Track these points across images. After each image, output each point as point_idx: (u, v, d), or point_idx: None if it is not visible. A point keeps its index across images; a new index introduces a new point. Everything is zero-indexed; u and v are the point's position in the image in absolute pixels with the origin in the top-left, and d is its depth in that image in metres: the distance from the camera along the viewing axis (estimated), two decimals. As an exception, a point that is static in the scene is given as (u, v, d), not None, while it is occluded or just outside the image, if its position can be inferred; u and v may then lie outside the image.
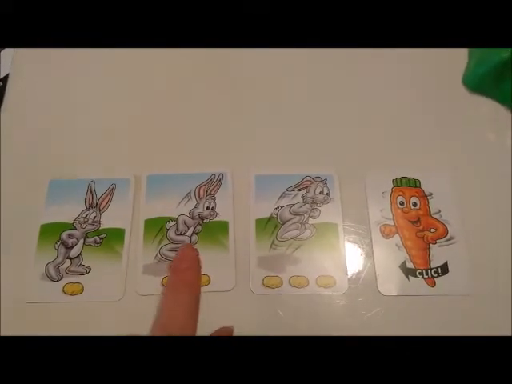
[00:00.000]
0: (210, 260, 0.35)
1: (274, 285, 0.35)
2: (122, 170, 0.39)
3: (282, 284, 0.35)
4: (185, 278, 0.24)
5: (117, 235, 0.36)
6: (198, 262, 0.25)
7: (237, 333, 0.30)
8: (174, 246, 0.36)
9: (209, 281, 0.35)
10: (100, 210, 0.37)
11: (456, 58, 0.43)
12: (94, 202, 0.37)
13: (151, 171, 0.38)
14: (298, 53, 0.43)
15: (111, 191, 0.37)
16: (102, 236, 0.36)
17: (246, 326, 0.33)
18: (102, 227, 0.36)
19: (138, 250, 0.36)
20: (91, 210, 0.37)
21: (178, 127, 0.41)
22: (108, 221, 0.36)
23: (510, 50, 0.38)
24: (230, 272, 0.35)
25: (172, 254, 0.36)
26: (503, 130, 0.40)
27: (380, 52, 0.42)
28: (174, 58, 0.43)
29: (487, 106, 0.41)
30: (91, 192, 0.37)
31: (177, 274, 0.24)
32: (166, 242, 0.36)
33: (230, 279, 0.35)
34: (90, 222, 0.36)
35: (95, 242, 0.36)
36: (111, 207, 0.37)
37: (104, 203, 0.37)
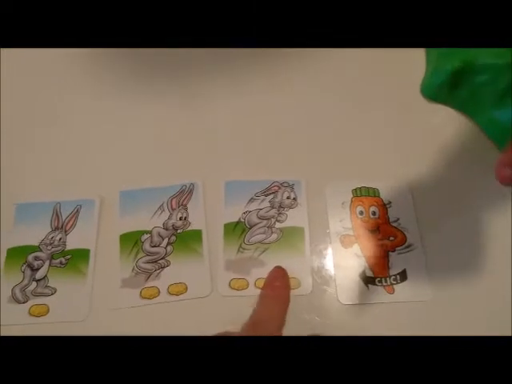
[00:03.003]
0: (186, 269, 0.36)
1: (240, 287, 0.36)
2: (89, 190, 0.40)
3: (248, 286, 0.36)
4: (277, 294, 0.32)
5: (82, 255, 0.37)
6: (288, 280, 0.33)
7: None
8: (149, 258, 0.37)
9: (186, 289, 0.36)
10: (66, 232, 0.38)
11: (413, 69, 0.44)
12: (60, 223, 0.38)
13: (123, 187, 0.39)
14: (265, 59, 0.44)
15: (76, 212, 0.38)
16: (68, 257, 0.37)
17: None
18: (67, 248, 0.37)
19: (115, 265, 0.37)
20: (57, 232, 0.38)
21: (146, 142, 0.42)
22: (73, 242, 0.37)
23: (462, 58, 0.39)
24: (205, 278, 0.36)
25: (148, 266, 0.37)
26: (459, 138, 0.41)
27: (342, 61, 0.44)
28: (137, 67, 0.45)
29: (444, 115, 0.42)
30: (57, 214, 0.38)
31: (271, 290, 0.32)
32: (142, 254, 0.37)
33: (206, 285, 0.36)
34: (55, 243, 0.37)
35: (60, 263, 0.36)
36: (76, 228, 0.38)
37: (69, 224, 0.38)
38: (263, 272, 0.36)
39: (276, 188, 0.39)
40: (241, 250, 0.37)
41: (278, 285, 0.33)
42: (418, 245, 0.37)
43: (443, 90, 0.41)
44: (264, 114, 0.43)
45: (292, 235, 0.38)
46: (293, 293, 0.35)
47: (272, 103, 0.43)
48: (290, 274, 0.36)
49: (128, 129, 0.43)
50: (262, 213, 0.38)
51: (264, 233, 0.38)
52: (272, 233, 0.38)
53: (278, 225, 0.38)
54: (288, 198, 0.39)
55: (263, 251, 0.37)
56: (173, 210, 0.38)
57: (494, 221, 0.38)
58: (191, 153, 0.41)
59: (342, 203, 0.39)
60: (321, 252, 0.37)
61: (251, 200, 0.39)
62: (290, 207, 0.39)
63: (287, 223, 0.38)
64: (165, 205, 0.39)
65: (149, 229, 0.38)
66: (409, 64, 0.44)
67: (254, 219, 0.38)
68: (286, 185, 0.39)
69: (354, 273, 0.36)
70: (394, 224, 0.38)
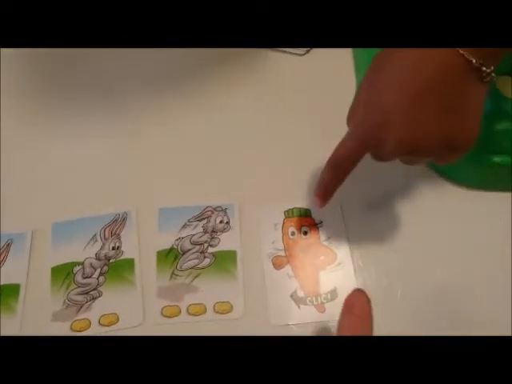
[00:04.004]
0: (118, 298, 0.36)
1: (172, 314, 0.36)
2: (20, 223, 0.39)
3: (180, 313, 0.36)
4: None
5: (12, 291, 0.36)
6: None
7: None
8: (81, 289, 0.37)
9: (117, 319, 0.36)
10: (-5, 267, 0.37)
11: (344, 90, 0.45)
12: (-11, 259, 0.37)
13: (56, 219, 0.39)
14: (191, 83, 0.46)
15: (7, 246, 0.38)
16: (-4, 294, 0.36)
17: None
18: (-4, 284, 0.37)
19: (46, 299, 0.36)
20: (-14, 268, 0.37)
21: (77, 172, 0.42)
22: (3, 277, 0.37)
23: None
24: (137, 307, 0.36)
25: (80, 298, 0.36)
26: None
27: (271, 81, 0.46)
28: (67, 94, 0.46)
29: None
30: (-14, 249, 0.38)
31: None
32: (73, 286, 0.37)
33: (138, 315, 0.36)
34: (-16, 279, 0.37)
35: (-12, 300, 0.36)
36: (7, 263, 0.37)
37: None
38: (196, 298, 0.36)
39: (209, 213, 0.40)
40: (173, 276, 0.37)
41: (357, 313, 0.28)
42: (349, 262, 0.38)
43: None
44: (194, 140, 0.44)
45: (224, 259, 0.38)
46: (225, 317, 0.36)
47: (200, 128, 0.44)
48: (222, 298, 0.36)
49: (58, 159, 0.43)
50: (194, 238, 0.39)
51: (197, 258, 0.38)
52: (205, 258, 0.38)
53: (210, 249, 0.38)
54: (221, 222, 0.39)
55: (196, 277, 0.37)
56: (106, 239, 0.39)
57: (424, 231, 0.39)
58: (124, 181, 0.41)
59: (275, 225, 0.40)
60: (253, 274, 0.37)
61: (185, 226, 0.39)
62: (223, 231, 0.39)
63: (220, 247, 0.38)
64: (98, 235, 0.39)
65: (81, 260, 0.38)
66: (340, 83, 0.46)
67: (187, 245, 0.39)
68: (219, 209, 0.40)
69: (286, 293, 0.37)
70: (325, 243, 0.39)
